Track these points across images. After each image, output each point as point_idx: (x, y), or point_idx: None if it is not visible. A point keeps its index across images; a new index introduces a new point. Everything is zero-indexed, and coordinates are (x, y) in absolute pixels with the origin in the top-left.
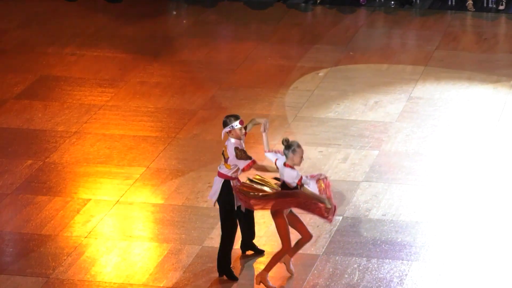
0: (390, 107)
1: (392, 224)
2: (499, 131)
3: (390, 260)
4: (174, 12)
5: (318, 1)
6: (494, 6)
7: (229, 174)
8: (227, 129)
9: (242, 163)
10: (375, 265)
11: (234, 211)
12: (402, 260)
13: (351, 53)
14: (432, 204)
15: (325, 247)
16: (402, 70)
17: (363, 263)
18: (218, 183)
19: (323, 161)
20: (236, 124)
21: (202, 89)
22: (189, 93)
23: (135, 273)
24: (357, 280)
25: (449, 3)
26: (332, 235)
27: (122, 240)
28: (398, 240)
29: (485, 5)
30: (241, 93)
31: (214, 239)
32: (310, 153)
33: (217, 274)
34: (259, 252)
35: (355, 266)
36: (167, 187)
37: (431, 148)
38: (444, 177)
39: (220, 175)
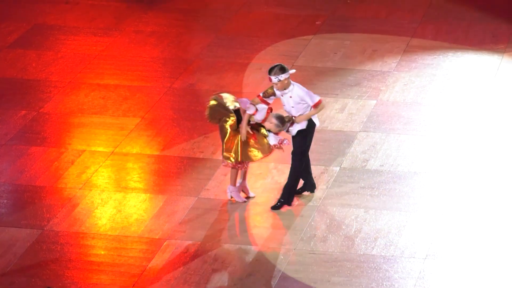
0: (388, 56)
1: (390, 175)
2: (497, 82)
3: (388, 211)
4: None
5: None
6: None
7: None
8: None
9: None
10: (373, 216)
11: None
12: (400, 211)
13: (348, 1)
14: (431, 154)
15: (322, 198)
16: (401, 18)
17: (360, 214)
18: None
19: (320, 111)
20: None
21: (198, 37)
22: (184, 42)
23: (130, 225)
24: (354, 231)
25: None
26: (329, 186)
27: (117, 191)
28: (396, 191)
29: None
30: (237, 41)
31: (210, 190)
32: None
33: (213, 226)
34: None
35: (353, 217)
36: (163, 138)
37: (430, 97)
38: (442, 128)
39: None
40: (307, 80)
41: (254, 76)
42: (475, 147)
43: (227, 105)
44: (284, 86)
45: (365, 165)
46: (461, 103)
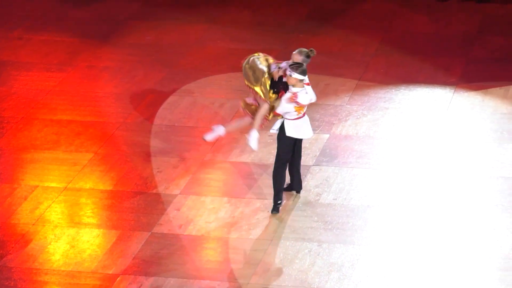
0: (341, 90)
1: (343, 208)
2: (449, 115)
3: (342, 245)
4: None
5: None
6: None
7: None
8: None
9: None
10: (326, 250)
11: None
12: (354, 244)
13: (301, 35)
14: (383, 188)
15: (276, 232)
16: (354, 52)
17: (314, 248)
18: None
19: (273, 145)
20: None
21: (152, 72)
22: (138, 77)
23: (83, 260)
24: (308, 265)
25: None
26: (283, 220)
27: (70, 227)
28: (349, 225)
29: None
30: (191, 76)
31: (163, 225)
32: (261, 137)
33: (169, 261)
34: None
35: (306, 251)
36: (116, 173)
37: (382, 131)
38: (395, 161)
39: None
40: None
41: (207, 111)
42: (428, 181)
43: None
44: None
45: (318, 199)
46: (414, 137)
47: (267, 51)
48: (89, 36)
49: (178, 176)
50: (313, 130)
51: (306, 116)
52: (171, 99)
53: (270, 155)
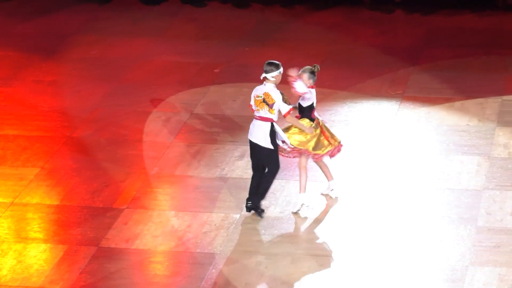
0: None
1: (290, 221)
2: (396, 127)
3: (290, 257)
4: (68, 9)
5: None
6: None
7: (274, 118)
8: (276, 73)
9: (286, 108)
10: (274, 263)
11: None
12: (301, 257)
13: (246, 48)
14: (330, 200)
15: (222, 246)
16: (300, 64)
17: (262, 261)
18: (264, 127)
19: (220, 158)
20: (281, 69)
21: (98, 86)
22: (84, 91)
23: (31, 275)
24: (256, 278)
25: None
26: (230, 233)
27: (17, 242)
28: (296, 237)
29: None
30: (137, 90)
31: (111, 239)
32: (207, 150)
33: (116, 275)
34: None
35: (254, 264)
36: (62, 188)
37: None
38: (342, 173)
39: (264, 119)
40: (207, 128)
41: (155, 125)
42: (375, 193)
43: None
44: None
45: (266, 212)
46: (360, 149)
47: (213, 65)
48: (35, 51)
49: (125, 190)
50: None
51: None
52: (117, 113)
53: (217, 169)
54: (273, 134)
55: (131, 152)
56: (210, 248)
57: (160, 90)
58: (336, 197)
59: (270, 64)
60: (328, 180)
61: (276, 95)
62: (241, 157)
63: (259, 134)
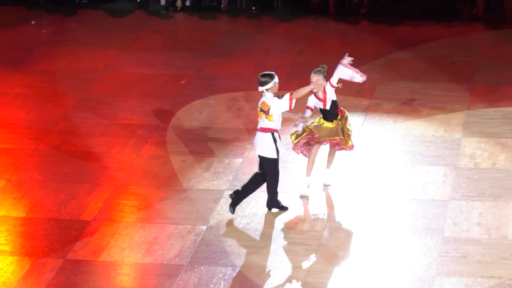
0: (253, 114)
1: (257, 232)
2: (362, 138)
3: (257, 268)
4: (33, 22)
5: (179, 8)
6: (356, 10)
7: (273, 127)
8: (271, 85)
9: (286, 101)
10: (241, 274)
11: (278, 160)
12: (268, 268)
13: (212, 60)
14: (297, 211)
15: (190, 257)
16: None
17: (228, 273)
18: (266, 138)
19: (186, 170)
20: (277, 79)
21: (64, 98)
22: (50, 103)
23: None
24: None
25: (311, 7)
26: (197, 245)
27: None
28: (264, 249)
29: (347, 9)
30: (104, 102)
31: (77, 251)
32: (174, 161)
33: (81, 287)
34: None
35: (221, 275)
36: (29, 200)
37: (295, 155)
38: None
39: (265, 130)
40: (174, 139)
41: (121, 137)
42: (342, 204)
43: None
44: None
45: (232, 223)
46: (322, 161)
47: (179, 76)
48: (1, 63)
49: (91, 202)
50: (227, 154)
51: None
52: (83, 125)
53: (183, 180)
54: (275, 143)
55: (97, 164)
56: (177, 259)
57: (127, 102)
58: (329, 184)
59: (264, 76)
60: (326, 168)
61: (270, 100)
62: (208, 168)
63: (261, 146)
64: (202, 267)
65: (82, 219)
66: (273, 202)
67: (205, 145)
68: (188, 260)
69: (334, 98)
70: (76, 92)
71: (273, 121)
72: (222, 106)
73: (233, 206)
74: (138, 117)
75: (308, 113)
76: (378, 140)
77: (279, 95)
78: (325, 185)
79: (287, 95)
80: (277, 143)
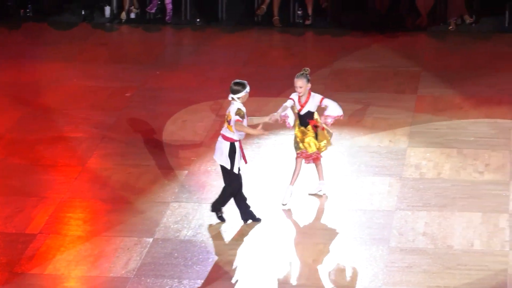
0: (198, 126)
1: (203, 244)
2: None
3: (201, 281)
4: None
5: (124, 20)
6: (300, 21)
7: (234, 137)
8: (243, 94)
9: (235, 117)
10: (187, 287)
11: (238, 171)
12: (214, 280)
13: (157, 72)
14: (240, 223)
15: (136, 270)
16: (211, 87)
17: (174, 285)
18: (224, 146)
19: (132, 182)
20: (248, 88)
21: (8, 111)
22: None
23: None
24: None
25: (256, 19)
26: (143, 257)
27: None
28: (210, 260)
29: (291, 20)
30: (49, 115)
31: (24, 265)
32: (120, 174)
33: None
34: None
35: (167, 287)
36: None
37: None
38: (253, 195)
39: (225, 138)
40: (119, 152)
41: (67, 149)
42: (287, 214)
43: None
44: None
45: (178, 235)
46: (271, 171)
47: (124, 89)
48: None
49: (37, 215)
50: (173, 166)
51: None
52: (29, 138)
53: (129, 192)
54: (232, 154)
55: (43, 177)
56: (123, 272)
57: (72, 115)
58: (325, 194)
59: (237, 84)
60: (319, 180)
61: (233, 111)
62: (154, 181)
63: (218, 152)
64: (148, 280)
65: (28, 232)
66: (216, 208)
67: (151, 157)
68: (134, 272)
69: (313, 110)
70: (21, 105)
71: (233, 132)
72: (167, 118)
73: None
74: (83, 130)
75: (289, 103)
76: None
77: (239, 110)
78: (323, 194)
79: (234, 118)
80: (236, 155)
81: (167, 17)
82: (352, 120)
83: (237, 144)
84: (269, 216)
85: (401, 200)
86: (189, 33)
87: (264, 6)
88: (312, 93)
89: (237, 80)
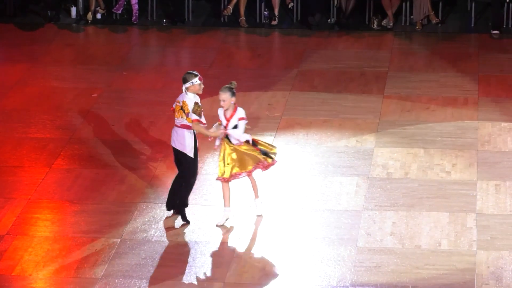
0: (165, 127)
1: (172, 244)
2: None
3: (171, 281)
4: None
5: (90, 21)
6: (267, 21)
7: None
8: (188, 84)
9: (192, 117)
10: (156, 287)
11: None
12: (183, 281)
13: (124, 73)
14: (211, 224)
15: (104, 270)
16: (177, 89)
17: (142, 285)
18: (186, 134)
19: (99, 183)
20: (196, 80)
21: None
22: None
23: None
24: None
25: (222, 19)
26: (111, 258)
27: None
28: (179, 261)
29: (257, 21)
30: (14, 116)
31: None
32: (87, 175)
33: None
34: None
35: None
36: None
37: (209, 167)
38: (218, 196)
39: (183, 126)
40: (86, 152)
41: (33, 151)
42: (254, 215)
43: None
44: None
45: (146, 236)
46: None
47: (91, 90)
48: None
49: (4, 216)
50: (140, 167)
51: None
52: None
53: (97, 193)
54: (195, 142)
55: (9, 178)
56: (91, 273)
57: (38, 116)
58: (261, 215)
59: (187, 73)
60: (255, 198)
61: (190, 104)
62: (121, 181)
63: (181, 141)
64: (116, 280)
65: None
66: (182, 203)
67: (118, 158)
68: (102, 273)
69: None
70: None
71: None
72: (134, 119)
73: (183, 218)
74: (50, 131)
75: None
76: (291, 151)
77: (196, 107)
78: (257, 216)
79: (191, 116)
80: (195, 142)
81: (133, 18)
82: (319, 120)
83: (194, 131)
84: (233, 217)
85: (369, 200)
86: (155, 34)
87: (230, 7)
88: (238, 108)
89: (190, 71)
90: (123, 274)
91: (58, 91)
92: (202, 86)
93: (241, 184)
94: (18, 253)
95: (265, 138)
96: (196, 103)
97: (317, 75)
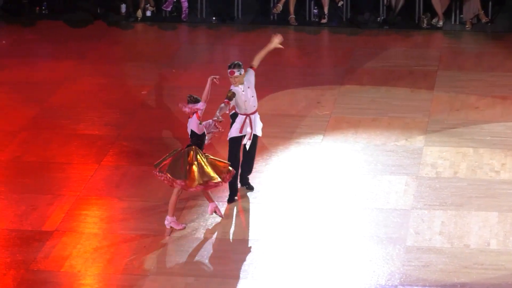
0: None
1: (220, 242)
2: (323, 148)
3: (220, 279)
4: None
5: (139, 19)
6: (316, 19)
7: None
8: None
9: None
10: (204, 284)
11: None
12: (231, 278)
13: (173, 70)
14: (262, 221)
15: (152, 267)
16: (225, 86)
17: (190, 282)
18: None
19: (147, 180)
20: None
21: (22, 110)
22: (9, 114)
23: None
24: None
25: (271, 17)
26: (159, 255)
27: None
28: (227, 258)
29: (307, 19)
30: (62, 113)
31: (40, 262)
32: (135, 172)
33: None
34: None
35: (183, 285)
36: None
37: (256, 165)
38: (273, 195)
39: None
40: (134, 150)
41: (82, 147)
42: (304, 213)
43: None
44: (241, 81)
45: (195, 233)
46: (289, 170)
47: (140, 87)
48: None
49: (53, 212)
50: None
51: None
52: (43, 136)
53: (144, 191)
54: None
55: (58, 174)
56: (139, 270)
57: (86, 113)
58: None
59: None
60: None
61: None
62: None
63: (258, 126)
64: (164, 277)
65: (44, 229)
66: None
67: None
68: (150, 270)
69: (194, 129)
70: (35, 103)
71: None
72: (182, 116)
73: (247, 186)
74: (98, 128)
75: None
76: (340, 150)
77: (230, 92)
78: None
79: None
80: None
81: (183, 15)
82: (368, 119)
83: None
84: (283, 214)
85: (418, 199)
86: (204, 32)
87: (280, 5)
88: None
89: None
90: (171, 271)
91: (107, 88)
92: (232, 79)
93: (287, 179)
94: (66, 250)
95: (314, 137)
96: (230, 90)
97: (365, 74)
